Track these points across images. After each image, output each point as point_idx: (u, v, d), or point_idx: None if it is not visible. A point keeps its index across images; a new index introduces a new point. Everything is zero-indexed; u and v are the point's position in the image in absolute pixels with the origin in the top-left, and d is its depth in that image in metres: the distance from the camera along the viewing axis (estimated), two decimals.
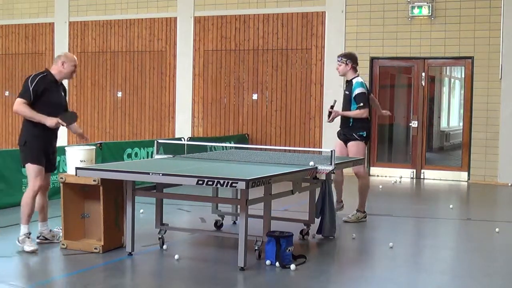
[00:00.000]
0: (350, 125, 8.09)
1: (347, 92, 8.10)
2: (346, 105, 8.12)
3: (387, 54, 13.31)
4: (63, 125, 6.34)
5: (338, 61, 8.13)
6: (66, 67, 6.37)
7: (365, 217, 8.22)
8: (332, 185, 7.32)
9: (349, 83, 8.14)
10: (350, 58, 8.12)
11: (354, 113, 8.01)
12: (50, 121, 6.23)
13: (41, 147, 6.27)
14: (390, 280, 5.70)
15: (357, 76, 8.14)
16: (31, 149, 6.22)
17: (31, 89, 6.15)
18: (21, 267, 5.82)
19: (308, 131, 13.97)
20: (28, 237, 6.22)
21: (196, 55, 14.89)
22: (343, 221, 8.05)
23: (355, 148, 8.06)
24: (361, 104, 7.95)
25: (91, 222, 6.49)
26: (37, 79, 6.22)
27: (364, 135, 8.10)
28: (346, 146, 8.17)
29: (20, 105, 6.18)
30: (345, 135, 8.18)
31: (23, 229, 6.22)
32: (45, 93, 6.24)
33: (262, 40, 14.29)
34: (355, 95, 7.96)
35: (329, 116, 8.11)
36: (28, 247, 6.16)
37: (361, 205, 8.20)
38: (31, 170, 6.22)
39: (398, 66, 14.00)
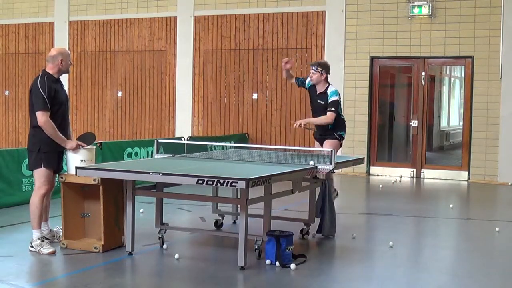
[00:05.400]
0: (330, 127, 8.04)
1: (321, 102, 7.99)
2: (321, 113, 8.01)
3: (387, 54, 13.31)
4: (83, 146, 6.34)
5: (313, 69, 8.02)
6: (64, 64, 6.35)
7: None
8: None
9: (323, 93, 8.02)
10: (325, 68, 8.06)
11: (320, 119, 8.01)
12: (69, 145, 6.27)
13: (55, 150, 6.27)
14: (390, 279, 5.70)
15: (330, 85, 8.05)
16: (46, 154, 6.20)
17: (45, 97, 6.10)
18: (21, 267, 5.81)
19: (308, 130, 13.92)
20: (43, 241, 6.21)
21: (196, 55, 14.89)
22: None
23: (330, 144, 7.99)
24: (333, 108, 7.89)
25: (91, 221, 6.48)
26: (45, 85, 6.14)
27: (343, 136, 8.20)
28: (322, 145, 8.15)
29: (47, 121, 6.10)
30: (322, 136, 8.17)
31: (36, 233, 6.20)
32: (54, 95, 6.20)
33: (262, 40, 14.29)
34: (330, 102, 7.87)
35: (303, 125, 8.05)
36: (46, 249, 6.12)
37: None
38: (42, 174, 6.22)
39: (398, 65, 13.99)
